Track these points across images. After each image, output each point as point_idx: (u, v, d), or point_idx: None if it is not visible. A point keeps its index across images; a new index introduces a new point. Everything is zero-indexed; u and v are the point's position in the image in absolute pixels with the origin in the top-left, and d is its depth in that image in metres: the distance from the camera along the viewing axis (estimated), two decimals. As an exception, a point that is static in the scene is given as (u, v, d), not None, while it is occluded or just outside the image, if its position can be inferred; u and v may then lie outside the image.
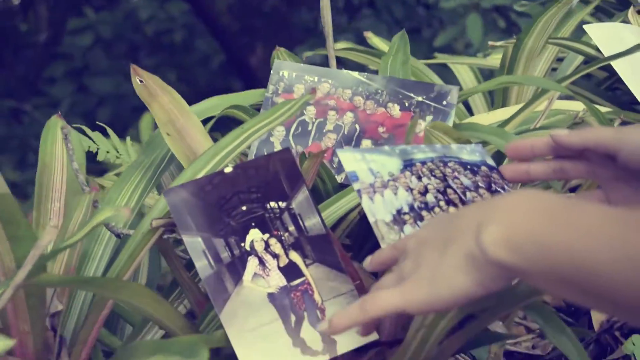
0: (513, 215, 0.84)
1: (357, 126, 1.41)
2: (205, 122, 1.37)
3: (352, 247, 1.30)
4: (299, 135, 1.40)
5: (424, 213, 1.07)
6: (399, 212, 1.06)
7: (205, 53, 6.15)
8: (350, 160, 1.08)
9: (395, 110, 1.42)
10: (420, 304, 0.90)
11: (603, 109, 1.68)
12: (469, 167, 1.14)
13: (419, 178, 1.10)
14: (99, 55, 6.12)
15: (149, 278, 1.43)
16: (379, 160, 1.09)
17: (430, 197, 1.09)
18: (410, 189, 1.08)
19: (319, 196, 1.23)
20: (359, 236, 1.31)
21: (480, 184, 1.12)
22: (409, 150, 1.13)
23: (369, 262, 1.02)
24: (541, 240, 0.80)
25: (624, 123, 1.63)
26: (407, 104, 1.41)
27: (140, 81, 1.26)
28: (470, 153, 1.16)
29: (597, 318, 1.47)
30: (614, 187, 1.07)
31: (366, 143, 1.39)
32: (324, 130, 1.40)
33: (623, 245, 0.75)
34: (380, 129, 1.40)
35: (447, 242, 0.89)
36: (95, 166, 1.89)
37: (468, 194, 1.10)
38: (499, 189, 1.12)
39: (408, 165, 1.11)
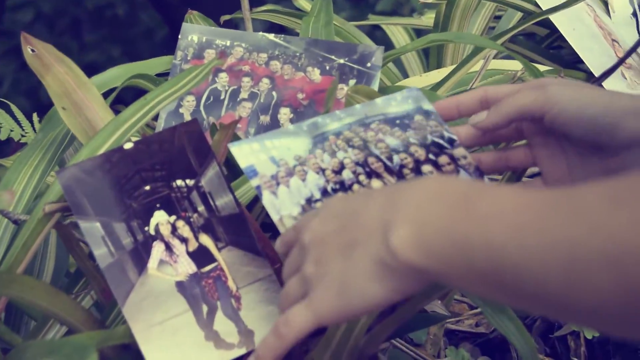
0: (422, 209, 0.74)
1: (274, 93, 1.30)
2: (109, 95, 1.25)
3: (274, 225, 1.19)
4: (211, 105, 1.28)
5: (340, 195, 0.96)
6: (308, 200, 0.95)
7: (149, 26, 5.99)
8: (246, 153, 0.96)
9: (315, 74, 1.30)
10: (332, 317, 0.82)
11: (543, 68, 1.59)
12: (397, 121, 1.02)
13: (333, 154, 0.99)
14: (40, 32, 5.94)
15: (57, 267, 1.31)
16: (283, 145, 0.98)
17: (347, 174, 0.97)
18: (322, 170, 0.97)
19: (233, 172, 1.11)
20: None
21: (412, 139, 1.01)
22: (319, 123, 1.01)
23: (278, 244, 0.92)
24: (454, 236, 0.70)
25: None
26: (328, 68, 1.30)
27: (33, 51, 1.14)
28: (401, 102, 1.04)
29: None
30: (551, 161, 0.97)
31: (284, 111, 1.28)
32: (238, 99, 1.28)
33: (539, 232, 0.64)
34: (300, 96, 1.29)
35: (351, 245, 0.80)
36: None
37: (395, 157, 0.99)
38: (436, 140, 1.01)
39: (319, 141, 1.00)
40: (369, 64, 1.28)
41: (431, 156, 1.00)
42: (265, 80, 1.30)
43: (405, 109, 1.04)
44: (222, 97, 1.28)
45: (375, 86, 1.26)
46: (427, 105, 1.04)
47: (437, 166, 1.00)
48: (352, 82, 1.28)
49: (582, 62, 1.71)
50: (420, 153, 1.00)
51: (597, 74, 1.64)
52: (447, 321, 1.33)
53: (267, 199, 0.94)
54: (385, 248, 0.75)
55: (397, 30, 2.05)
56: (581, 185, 0.64)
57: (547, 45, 1.90)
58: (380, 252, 0.76)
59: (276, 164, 0.96)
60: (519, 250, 0.64)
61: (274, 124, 1.28)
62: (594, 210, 0.61)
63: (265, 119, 1.27)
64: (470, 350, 1.35)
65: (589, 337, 1.31)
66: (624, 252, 0.58)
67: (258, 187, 0.94)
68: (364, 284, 0.78)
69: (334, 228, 0.82)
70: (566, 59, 1.86)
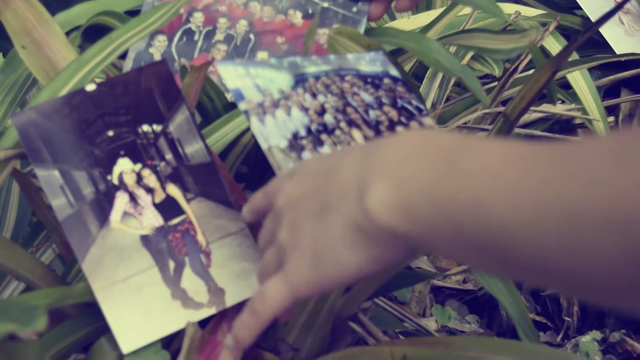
0: (400, 166, 0.64)
1: (251, 36, 1.21)
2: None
3: (250, 175, 1.12)
4: (183, 46, 1.19)
5: (323, 137, 0.88)
6: (295, 136, 0.88)
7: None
8: (233, 75, 0.89)
9: (296, 17, 1.21)
10: (309, 289, 0.73)
11: (536, 12, 1.51)
12: (369, 80, 0.96)
13: (314, 95, 0.91)
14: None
15: (20, 217, 1.23)
16: (266, 75, 0.90)
17: (328, 118, 0.90)
18: (305, 109, 0.90)
19: (205, 117, 1.04)
20: (258, 162, 1.12)
21: (383, 99, 0.94)
22: (299, 63, 0.94)
23: (245, 211, 0.84)
24: (437, 196, 0.61)
25: (560, 28, 1.47)
26: (310, 11, 1.21)
27: (-10, -16, 1.05)
28: (369, 63, 0.98)
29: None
30: None
31: (262, 55, 1.20)
32: (213, 41, 1.20)
33: (534, 191, 0.55)
34: (279, 40, 1.20)
35: (325, 208, 0.71)
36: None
37: (371, 112, 0.92)
38: (405, 105, 0.95)
39: (300, 80, 0.92)
40: (355, 9, 1.19)
41: (403, 119, 0.94)
42: (243, 22, 1.21)
43: (374, 70, 0.97)
44: (195, 38, 1.19)
45: (361, 31, 1.18)
46: (394, 71, 0.98)
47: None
48: (335, 26, 1.19)
49: (577, 7, 1.64)
50: (393, 114, 0.94)
51: (593, 19, 1.57)
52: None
53: (255, 125, 0.86)
54: (361, 210, 0.66)
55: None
56: (578, 141, 0.56)
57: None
58: (355, 215, 0.67)
59: (261, 93, 0.89)
60: (510, 211, 0.56)
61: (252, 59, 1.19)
62: (595, 166, 0.53)
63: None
64: (457, 308, 1.29)
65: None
66: (630, 212, 0.51)
67: (246, 112, 0.87)
68: (339, 251, 0.69)
69: (307, 190, 0.74)
70: (561, 4, 1.78)
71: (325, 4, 1.22)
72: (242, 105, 0.87)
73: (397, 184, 0.64)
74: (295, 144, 0.87)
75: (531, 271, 0.58)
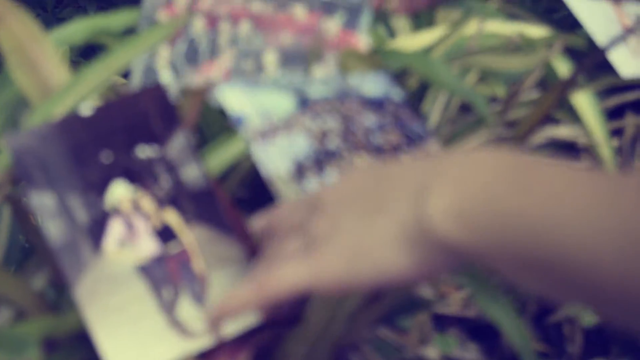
0: (467, 179, 0.63)
1: (256, 37, 1.17)
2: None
3: (249, 200, 1.08)
4: (188, 56, 1.16)
5: (326, 163, 0.86)
6: (297, 162, 0.85)
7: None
8: (234, 98, 0.86)
9: (299, 12, 1.18)
10: (333, 282, 0.69)
11: (541, 32, 1.49)
12: (371, 102, 0.93)
13: (317, 119, 0.89)
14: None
15: (12, 241, 1.20)
16: (269, 98, 0.88)
17: (332, 143, 0.88)
18: (308, 133, 0.87)
19: (203, 139, 1.01)
20: (259, 186, 1.09)
21: (387, 125, 0.91)
22: (301, 84, 0.91)
23: (257, 222, 0.81)
24: (502, 211, 0.59)
25: (568, 49, 1.44)
26: (313, 4, 1.17)
27: (-16, 1, 1.03)
28: (373, 84, 0.95)
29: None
30: None
31: (269, 56, 1.16)
32: (217, 47, 1.16)
33: (610, 215, 0.54)
34: (285, 36, 1.17)
35: (377, 206, 0.68)
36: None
37: (373, 137, 0.90)
38: (409, 130, 0.92)
39: (303, 102, 0.90)
40: (355, 0, 1.16)
41: (406, 145, 0.91)
42: (246, 23, 1.18)
43: (378, 92, 0.95)
44: (199, 45, 1.16)
45: (363, 23, 1.14)
46: (397, 95, 0.95)
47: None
48: (338, 16, 1.16)
49: (578, 24, 1.61)
50: (396, 138, 0.91)
51: (597, 38, 1.54)
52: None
53: (258, 153, 0.84)
54: (418, 213, 0.64)
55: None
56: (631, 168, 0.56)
57: (545, 9, 1.80)
58: (410, 217, 0.64)
59: (263, 117, 0.86)
60: (572, 236, 0.55)
61: (259, 71, 1.16)
62: None
63: (249, 66, 1.15)
64: (458, 335, 1.26)
65: (587, 324, 1.22)
66: None
67: (246, 138, 0.84)
68: (381, 250, 0.66)
69: (359, 189, 0.70)
70: (562, 23, 1.75)
71: None
72: (243, 131, 0.85)
73: (461, 195, 0.62)
74: (296, 170, 0.85)
75: (582, 292, 0.57)
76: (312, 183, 0.84)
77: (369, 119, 0.91)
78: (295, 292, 0.70)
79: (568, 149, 1.48)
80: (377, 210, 0.67)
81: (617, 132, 1.56)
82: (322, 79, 0.93)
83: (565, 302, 0.62)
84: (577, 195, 0.56)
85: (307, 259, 0.69)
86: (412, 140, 0.92)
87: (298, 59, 1.18)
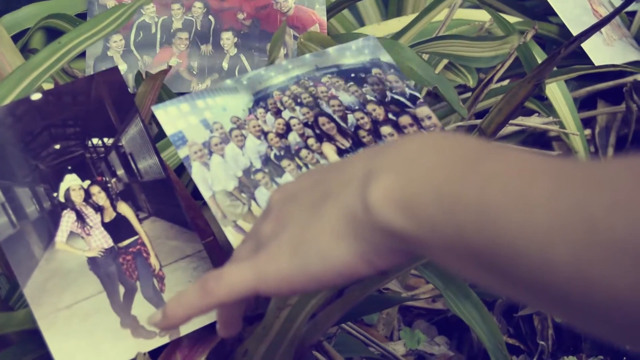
0: (415, 163, 0.57)
1: (210, 17, 1.13)
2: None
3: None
4: (142, 42, 1.11)
5: (284, 163, 0.81)
6: (246, 171, 0.80)
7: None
8: (173, 117, 0.81)
9: None
10: (279, 282, 0.63)
11: (512, 19, 1.46)
12: (353, 75, 0.88)
13: (277, 113, 0.84)
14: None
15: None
16: (218, 105, 0.83)
17: (293, 137, 0.83)
18: (264, 133, 0.83)
19: (161, 130, 0.97)
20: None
21: (368, 96, 0.87)
22: (262, 76, 0.87)
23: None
24: (445, 195, 0.54)
25: (536, 36, 1.41)
26: None
27: None
28: (356, 54, 0.90)
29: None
30: None
31: (227, 36, 1.11)
32: (172, 30, 1.12)
33: (551, 203, 0.49)
34: (240, 16, 1.12)
35: (324, 195, 0.63)
36: None
37: (350, 116, 0.85)
38: (397, 97, 0.87)
39: (261, 98, 0.85)
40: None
41: (391, 116, 0.86)
42: (198, 4, 1.13)
43: (360, 61, 0.89)
44: (152, 30, 1.11)
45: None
46: (385, 57, 0.90)
47: (397, 127, 0.86)
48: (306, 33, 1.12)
49: (552, 12, 1.58)
50: (379, 112, 0.86)
51: (570, 26, 1.51)
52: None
53: (197, 173, 0.79)
54: (360, 199, 0.59)
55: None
56: (601, 160, 0.50)
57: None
58: (353, 204, 0.59)
59: (209, 129, 0.81)
60: (520, 222, 0.49)
61: (218, 52, 1.12)
62: (619, 188, 0.47)
63: (207, 48, 1.11)
64: (426, 329, 1.23)
65: (558, 320, 1.19)
66: None
67: (186, 158, 0.80)
68: (325, 241, 0.61)
69: (309, 183, 0.66)
70: (536, 11, 1.72)
71: None
72: (182, 152, 0.80)
73: (405, 179, 0.56)
74: (246, 181, 0.80)
75: (533, 291, 0.51)
76: (265, 193, 0.80)
77: (347, 96, 0.86)
78: (242, 295, 0.65)
79: (539, 139, 1.45)
80: (323, 200, 0.62)
81: (588, 122, 1.53)
82: (291, 60, 0.88)
83: (524, 304, 0.56)
84: (530, 181, 0.50)
85: (251, 260, 0.65)
86: (400, 109, 0.87)
87: (258, 38, 1.13)
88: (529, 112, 1.41)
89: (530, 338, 1.24)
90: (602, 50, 1.51)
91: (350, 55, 0.90)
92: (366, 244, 0.59)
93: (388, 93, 0.88)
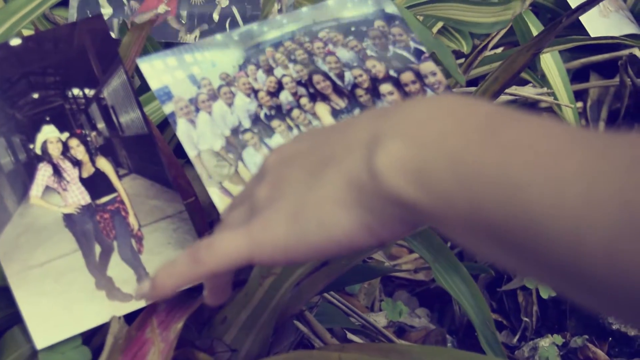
0: (427, 127, 0.52)
1: None
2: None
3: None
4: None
5: (274, 123, 0.77)
6: (234, 131, 0.76)
7: None
8: (159, 71, 0.77)
9: None
10: (275, 251, 0.59)
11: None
12: (353, 29, 0.83)
13: (269, 71, 0.80)
14: None
15: None
16: (207, 60, 0.79)
17: (285, 96, 0.79)
18: (255, 91, 0.79)
19: (144, 83, 0.93)
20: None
21: (369, 51, 0.82)
22: (255, 31, 0.82)
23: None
24: (462, 163, 0.49)
25: (532, 5, 1.37)
26: None
27: None
28: (358, 5, 0.85)
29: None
30: None
31: None
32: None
33: (582, 180, 0.45)
34: None
35: (323, 162, 0.58)
36: None
37: (348, 74, 0.81)
38: (399, 51, 0.83)
39: (253, 55, 0.81)
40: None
41: (392, 72, 0.82)
42: None
43: (363, 13, 0.85)
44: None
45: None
46: (390, 7, 0.85)
47: (398, 85, 0.82)
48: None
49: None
50: (379, 68, 0.82)
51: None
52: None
53: (182, 130, 0.75)
54: (366, 166, 0.54)
55: None
56: (635, 134, 0.46)
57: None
58: (358, 171, 0.55)
59: (197, 85, 0.77)
60: (550, 197, 0.45)
61: (210, 2, 1.06)
62: None
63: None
64: (407, 300, 1.20)
65: (544, 296, 1.16)
66: None
67: (172, 115, 0.76)
68: (327, 209, 0.57)
69: (307, 145, 0.61)
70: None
71: None
72: (167, 108, 0.76)
73: (417, 145, 0.52)
74: (234, 141, 0.76)
75: (557, 272, 0.47)
76: (253, 154, 0.76)
77: (345, 52, 0.82)
78: (235, 264, 0.61)
79: (530, 109, 1.42)
80: (324, 165, 0.58)
81: (580, 94, 1.50)
82: (286, 14, 0.84)
83: (542, 284, 0.52)
84: (559, 153, 0.46)
85: (245, 226, 0.61)
86: (403, 65, 0.83)
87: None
88: (523, 82, 1.38)
89: (514, 314, 1.21)
90: (598, 22, 1.48)
91: (352, 6, 0.85)
92: (371, 214, 0.55)
93: (390, 47, 0.83)
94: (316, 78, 0.81)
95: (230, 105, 0.77)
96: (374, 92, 0.81)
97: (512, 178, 0.47)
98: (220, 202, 0.74)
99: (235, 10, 1.09)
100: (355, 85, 0.81)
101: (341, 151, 0.57)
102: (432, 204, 0.51)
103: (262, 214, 0.60)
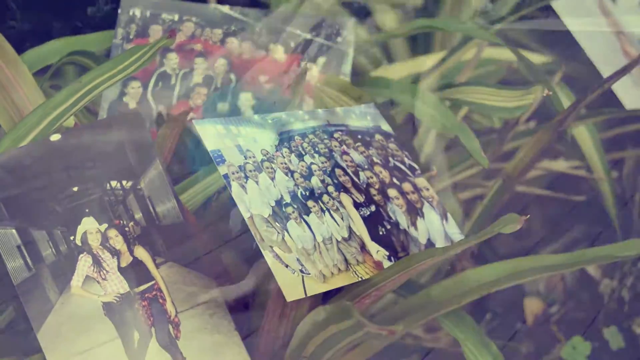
0: None
1: (232, 76, 1.12)
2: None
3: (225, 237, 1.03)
4: (160, 92, 1.10)
5: (310, 203, 0.81)
6: (278, 202, 0.80)
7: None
8: (211, 134, 0.81)
9: (278, 52, 1.12)
10: None
11: (539, 59, 1.44)
12: (360, 137, 0.89)
13: (300, 156, 0.84)
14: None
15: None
16: (249, 135, 0.83)
17: (315, 181, 0.83)
18: (291, 172, 0.82)
19: (182, 171, 0.96)
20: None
21: (375, 158, 0.87)
22: (283, 120, 0.87)
23: None
24: None
25: (567, 77, 1.39)
26: (292, 45, 1.12)
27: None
28: (360, 117, 0.91)
29: (531, 310, 1.24)
30: None
31: (245, 97, 1.11)
32: (192, 84, 1.11)
33: None
34: (262, 78, 1.11)
35: None
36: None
37: (361, 173, 0.85)
38: (398, 164, 0.87)
39: (285, 139, 0.85)
40: (339, 39, 1.11)
41: (395, 180, 0.87)
42: (222, 61, 1.12)
43: (365, 125, 0.91)
44: (172, 81, 1.11)
45: (347, 65, 1.09)
46: (385, 126, 0.91)
47: (402, 192, 0.86)
48: (321, 60, 1.11)
49: (582, 54, 1.56)
50: (385, 175, 0.87)
51: (599, 66, 1.49)
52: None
53: (236, 192, 0.79)
54: None
55: (380, 9, 1.89)
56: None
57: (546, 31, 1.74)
58: None
59: (243, 155, 0.82)
60: None
61: (234, 113, 1.11)
62: None
63: (223, 106, 1.10)
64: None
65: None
66: None
67: (226, 176, 0.80)
68: None
69: None
70: (563, 48, 1.70)
71: (308, 36, 1.13)
72: (222, 169, 0.80)
73: None
74: (278, 211, 0.80)
75: None
76: (295, 227, 0.79)
77: (356, 155, 0.87)
78: None
79: (566, 181, 1.43)
80: None
81: (615, 163, 1.51)
82: (306, 112, 0.88)
83: None
84: None
85: None
86: (402, 176, 0.87)
87: (273, 102, 1.12)
88: (556, 153, 1.39)
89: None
90: (633, 92, 1.49)
91: (356, 117, 0.91)
92: None
93: (390, 159, 0.89)
94: (338, 171, 0.85)
95: (272, 179, 0.81)
96: (384, 194, 0.85)
97: None
98: (273, 264, 0.78)
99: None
100: (368, 185, 0.85)
101: None
102: None
103: None
